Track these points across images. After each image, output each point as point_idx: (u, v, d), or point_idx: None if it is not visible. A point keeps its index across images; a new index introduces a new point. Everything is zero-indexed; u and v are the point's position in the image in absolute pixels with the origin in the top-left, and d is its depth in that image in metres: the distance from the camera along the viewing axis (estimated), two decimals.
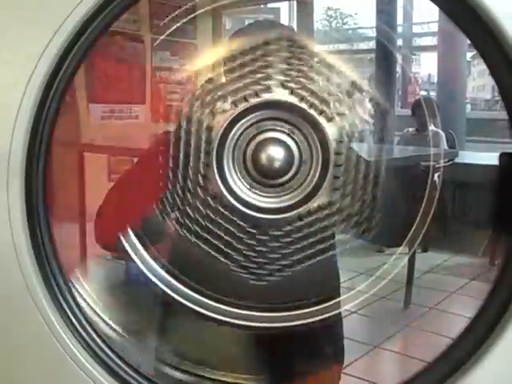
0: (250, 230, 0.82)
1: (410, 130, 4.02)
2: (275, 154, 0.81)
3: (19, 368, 0.77)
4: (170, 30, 0.84)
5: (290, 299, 0.90)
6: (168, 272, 0.88)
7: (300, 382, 1.14)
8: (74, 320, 0.75)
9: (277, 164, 0.81)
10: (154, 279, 0.88)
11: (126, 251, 0.88)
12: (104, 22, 0.70)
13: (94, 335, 0.76)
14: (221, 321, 0.86)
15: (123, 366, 0.76)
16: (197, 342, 1.09)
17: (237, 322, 0.86)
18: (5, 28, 0.69)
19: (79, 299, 0.78)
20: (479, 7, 0.61)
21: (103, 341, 0.76)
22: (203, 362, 1.10)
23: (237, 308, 0.87)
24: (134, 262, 0.88)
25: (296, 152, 0.81)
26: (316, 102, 0.80)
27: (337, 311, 0.92)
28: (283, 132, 0.81)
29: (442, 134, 3.82)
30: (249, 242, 0.83)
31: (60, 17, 0.67)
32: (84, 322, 0.76)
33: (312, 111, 0.80)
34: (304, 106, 0.80)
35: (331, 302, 0.90)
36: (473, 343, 0.67)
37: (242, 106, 0.80)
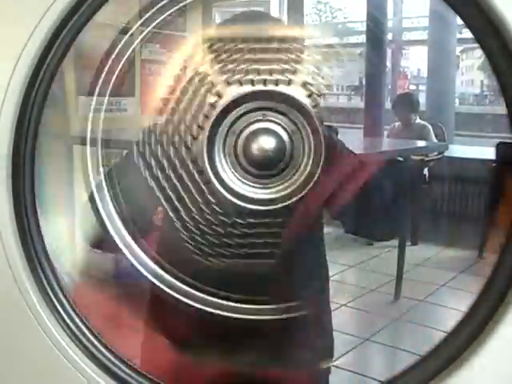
0: (249, 221, 0.82)
1: (396, 124, 4.01)
2: (266, 143, 0.81)
3: (10, 367, 0.77)
4: (157, 21, 0.84)
5: (278, 292, 0.90)
6: (157, 264, 0.88)
7: (289, 377, 1.14)
8: (64, 316, 0.75)
9: (269, 153, 0.80)
10: (144, 272, 0.87)
11: (115, 247, 0.88)
12: (86, 13, 0.69)
13: (85, 330, 0.76)
14: (209, 312, 0.86)
15: (116, 361, 0.76)
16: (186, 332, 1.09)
17: (226, 313, 0.86)
18: None
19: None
20: None
21: (95, 336, 0.76)
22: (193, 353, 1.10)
23: (225, 300, 0.87)
24: (123, 257, 0.88)
25: (287, 139, 0.81)
26: (301, 87, 0.80)
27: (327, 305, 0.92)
28: (272, 121, 0.81)
29: (430, 127, 3.82)
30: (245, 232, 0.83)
31: (42, 8, 0.67)
32: (76, 318, 0.76)
33: (299, 96, 0.80)
34: (290, 92, 0.80)
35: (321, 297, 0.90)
36: (465, 338, 0.67)
37: (229, 98, 0.80)
